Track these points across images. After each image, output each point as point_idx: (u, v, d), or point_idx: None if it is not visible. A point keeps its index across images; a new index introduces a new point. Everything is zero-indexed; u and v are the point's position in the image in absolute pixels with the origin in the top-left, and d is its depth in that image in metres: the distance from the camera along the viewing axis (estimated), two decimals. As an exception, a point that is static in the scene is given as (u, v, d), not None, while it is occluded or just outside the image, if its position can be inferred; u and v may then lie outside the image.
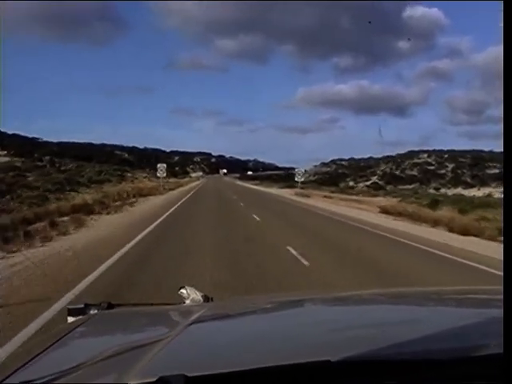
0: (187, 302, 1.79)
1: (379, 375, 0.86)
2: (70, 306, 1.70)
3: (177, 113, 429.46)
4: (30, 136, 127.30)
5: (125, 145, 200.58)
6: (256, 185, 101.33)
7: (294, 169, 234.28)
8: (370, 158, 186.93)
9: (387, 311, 1.50)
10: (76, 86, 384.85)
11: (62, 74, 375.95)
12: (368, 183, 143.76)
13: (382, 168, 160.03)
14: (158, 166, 52.36)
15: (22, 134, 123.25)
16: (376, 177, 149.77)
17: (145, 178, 65.86)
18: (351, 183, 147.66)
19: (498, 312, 1.02)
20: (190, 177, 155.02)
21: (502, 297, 1.04)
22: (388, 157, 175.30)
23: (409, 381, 0.87)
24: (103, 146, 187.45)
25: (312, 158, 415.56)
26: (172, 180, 75.15)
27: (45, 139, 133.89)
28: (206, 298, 1.84)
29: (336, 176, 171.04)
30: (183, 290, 1.83)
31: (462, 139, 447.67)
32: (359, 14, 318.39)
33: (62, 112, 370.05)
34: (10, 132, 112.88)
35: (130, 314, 1.74)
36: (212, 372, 0.83)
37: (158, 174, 50.79)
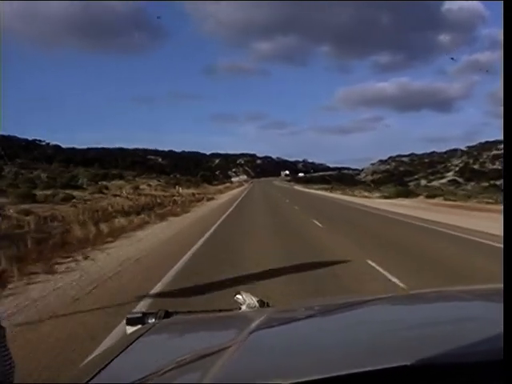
0: (243, 307, 1.78)
1: (454, 376, 0.85)
2: (128, 316, 1.70)
3: (218, 118, 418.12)
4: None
5: (160, 149, 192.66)
6: (327, 191, 73.11)
7: (345, 169, 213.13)
8: (433, 152, 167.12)
9: (422, 312, 1.48)
10: (118, 96, 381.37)
11: (104, 85, 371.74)
12: (443, 181, 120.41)
13: (454, 163, 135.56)
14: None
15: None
16: (452, 173, 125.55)
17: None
18: (423, 182, 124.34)
19: None
20: (231, 182, 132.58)
21: None
22: (454, 150, 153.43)
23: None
24: (135, 150, 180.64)
25: (360, 157, 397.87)
26: (195, 191, 47.40)
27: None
28: (262, 303, 1.80)
29: (399, 174, 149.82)
30: (239, 296, 1.80)
31: None
32: (396, 10, 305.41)
33: (107, 122, 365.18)
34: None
35: (189, 322, 1.74)
36: (290, 381, 0.81)
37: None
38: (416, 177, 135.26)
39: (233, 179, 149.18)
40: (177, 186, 46.90)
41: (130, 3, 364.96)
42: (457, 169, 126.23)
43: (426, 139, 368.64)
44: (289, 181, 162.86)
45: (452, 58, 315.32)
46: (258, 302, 1.79)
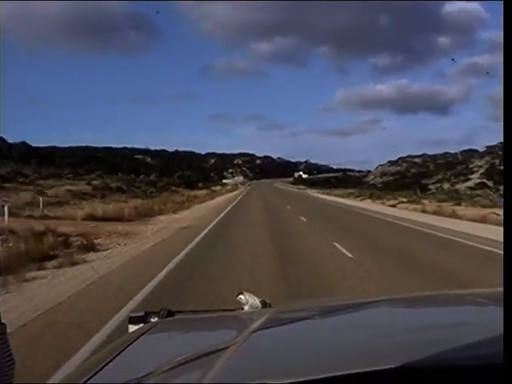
0: (246, 307, 1.79)
1: (453, 380, 0.86)
2: (131, 314, 1.71)
3: (216, 119, 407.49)
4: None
5: (152, 148, 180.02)
6: (357, 199, 50.43)
7: (350, 170, 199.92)
8: (447, 153, 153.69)
9: (418, 316, 1.52)
10: (115, 96, 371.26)
11: (96, 84, 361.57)
12: (469, 184, 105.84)
13: (477, 163, 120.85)
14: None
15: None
16: (477, 175, 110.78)
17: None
18: (446, 185, 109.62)
19: None
20: (224, 185, 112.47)
21: None
22: (470, 150, 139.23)
23: None
24: (123, 149, 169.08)
25: (360, 159, 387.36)
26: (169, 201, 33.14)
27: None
28: (265, 304, 1.82)
29: (413, 176, 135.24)
30: (242, 296, 1.81)
31: None
32: (395, 12, 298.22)
33: (105, 122, 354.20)
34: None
35: (191, 322, 1.76)
36: (288, 381, 0.83)
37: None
38: (435, 179, 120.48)
39: (226, 181, 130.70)
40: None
41: (126, 4, 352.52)
42: (482, 170, 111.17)
43: (424, 142, 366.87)
44: (293, 183, 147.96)
45: (452, 59, 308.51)
46: (260, 302, 1.80)
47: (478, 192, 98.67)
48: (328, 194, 68.85)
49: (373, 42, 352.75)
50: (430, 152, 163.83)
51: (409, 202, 37.16)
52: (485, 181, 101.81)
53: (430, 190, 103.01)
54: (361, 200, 46.74)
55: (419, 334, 1.14)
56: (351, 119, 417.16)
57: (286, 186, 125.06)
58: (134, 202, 30.08)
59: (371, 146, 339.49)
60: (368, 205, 38.27)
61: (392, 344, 1.07)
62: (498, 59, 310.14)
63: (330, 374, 0.84)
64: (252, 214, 26.52)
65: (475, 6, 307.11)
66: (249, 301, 1.79)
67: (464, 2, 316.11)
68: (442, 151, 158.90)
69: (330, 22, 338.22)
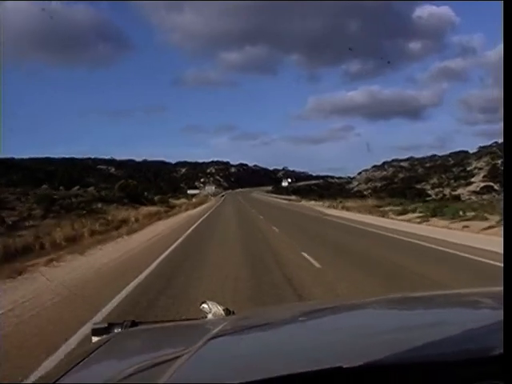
0: (209, 316, 1.77)
1: (389, 380, 0.89)
2: (94, 326, 1.67)
3: (188, 131, 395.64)
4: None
5: (118, 158, 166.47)
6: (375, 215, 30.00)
7: (330, 177, 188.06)
8: (435, 155, 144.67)
9: (396, 316, 1.54)
10: (83, 110, 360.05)
11: (68, 98, 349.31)
12: (472, 188, 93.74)
13: (476, 165, 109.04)
14: None
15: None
16: (479, 177, 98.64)
17: None
18: (447, 190, 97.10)
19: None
20: (191, 197, 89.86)
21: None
22: (461, 152, 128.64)
23: None
24: (87, 159, 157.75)
25: (336, 166, 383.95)
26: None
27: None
28: (228, 312, 1.80)
29: (403, 181, 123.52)
30: (205, 305, 1.80)
31: (479, 138, 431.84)
32: (365, 17, 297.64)
33: (74, 136, 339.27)
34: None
35: (152, 331, 1.73)
36: (237, 382, 0.87)
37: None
38: (431, 183, 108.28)
39: (193, 191, 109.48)
40: None
41: (94, 16, 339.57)
42: (484, 172, 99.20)
43: (398, 147, 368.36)
44: (271, 192, 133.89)
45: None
46: (223, 310, 1.78)
47: (485, 197, 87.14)
48: (347, 208, 38.93)
49: (343, 48, 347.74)
50: (401, 157, 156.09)
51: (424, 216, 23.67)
52: (491, 184, 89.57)
53: (429, 195, 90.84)
54: (368, 214, 31.16)
55: (365, 336, 1.15)
56: (324, 126, 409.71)
57: (269, 196, 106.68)
58: None
59: (346, 153, 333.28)
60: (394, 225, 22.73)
61: (354, 345, 1.09)
62: (469, 63, 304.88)
63: (273, 375, 0.85)
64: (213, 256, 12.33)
65: (446, 9, 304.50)
66: (212, 309, 1.77)
67: (435, 7, 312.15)
68: (419, 155, 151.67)
69: (299, 29, 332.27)
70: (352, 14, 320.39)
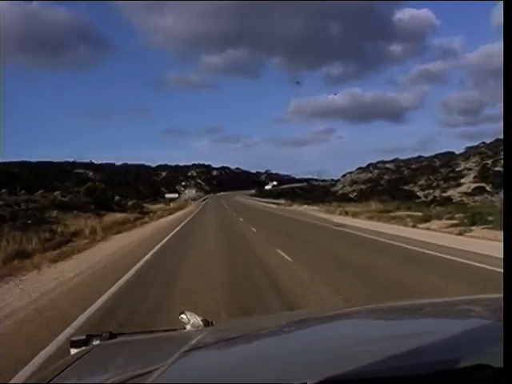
0: (188, 327, 1.75)
1: None
2: (72, 338, 1.64)
3: (170, 133, 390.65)
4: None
5: (96, 162, 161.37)
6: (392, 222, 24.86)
7: (314, 180, 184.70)
8: (420, 156, 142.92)
9: (384, 326, 1.51)
10: (64, 112, 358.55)
11: (48, 100, 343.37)
12: (463, 189, 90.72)
13: (465, 165, 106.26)
14: None
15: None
16: (469, 178, 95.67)
17: None
18: (437, 192, 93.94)
19: (495, 320, 1.07)
20: (169, 201, 79.46)
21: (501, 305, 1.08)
22: (447, 153, 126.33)
23: None
24: (64, 163, 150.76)
25: (319, 169, 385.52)
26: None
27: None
28: (207, 322, 1.79)
29: (389, 183, 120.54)
30: (183, 316, 1.78)
31: (460, 140, 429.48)
32: (346, 20, 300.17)
33: (55, 139, 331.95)
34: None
35: (130, 343, 1.71)
36: None
37: None
38: (419, 185, 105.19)
39: (170, 196, 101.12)
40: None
41: (75, 17, 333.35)
42: (474, 173, 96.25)
43: (381, 150, 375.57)
44: (255, 195, 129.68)
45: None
46: (202, 321, 1.77)
47: (477, 198, 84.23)
48: (352, 214, 33.42)
49: (325, 50, 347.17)
50: (386, 158, 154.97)
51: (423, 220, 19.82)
52: (483, 185, 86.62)
53: (419, 197, 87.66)
54: (377, 221, 27.10)
55: (338, 347, 1.15)
56: (306, 129, 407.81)
57: (254, 200, 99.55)
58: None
59: (328, 156, 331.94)
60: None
61: (336, 356, 1.08)
62: (449, 66, 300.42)
63: None
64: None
65: (426, 12, 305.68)
66: (190, 320, 1.75)
67: (415, 10, 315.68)
68: (404, 157, 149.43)
69: (280, 32, 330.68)
70: (333, 16, 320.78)
